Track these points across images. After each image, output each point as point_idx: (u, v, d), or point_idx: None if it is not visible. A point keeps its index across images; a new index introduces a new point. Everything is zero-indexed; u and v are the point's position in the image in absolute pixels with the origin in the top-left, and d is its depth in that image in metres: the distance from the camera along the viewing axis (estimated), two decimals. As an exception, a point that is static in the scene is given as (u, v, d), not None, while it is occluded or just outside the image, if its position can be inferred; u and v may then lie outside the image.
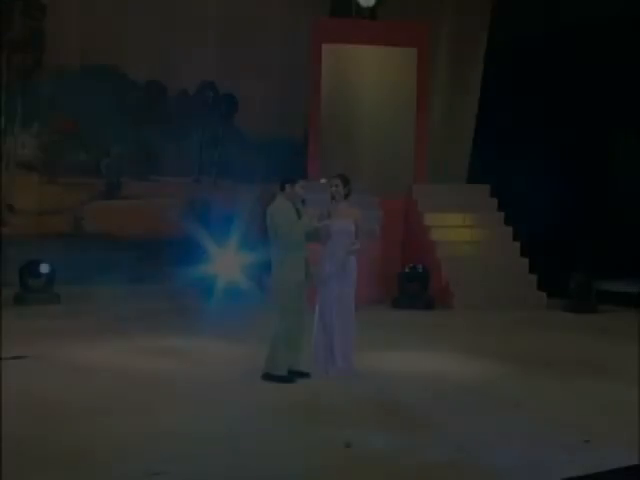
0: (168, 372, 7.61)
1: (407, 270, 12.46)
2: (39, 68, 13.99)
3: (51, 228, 14.20)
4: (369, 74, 14.98)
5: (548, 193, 14.06)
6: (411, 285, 12.38)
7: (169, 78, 15.27)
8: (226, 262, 13.49)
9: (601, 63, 13.62)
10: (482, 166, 14.95)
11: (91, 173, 14.64)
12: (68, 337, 9.26)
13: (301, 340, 7.39)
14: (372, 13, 15.22)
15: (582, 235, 13.22)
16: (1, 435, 5.37)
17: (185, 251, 15.26)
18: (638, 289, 12.18)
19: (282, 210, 7.21)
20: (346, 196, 7.56)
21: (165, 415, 6.12)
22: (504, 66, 14.77)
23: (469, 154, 15.60)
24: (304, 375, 7.34)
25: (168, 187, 15.42)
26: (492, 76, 14.97)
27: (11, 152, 13.85)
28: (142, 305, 12.04)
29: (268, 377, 7.23)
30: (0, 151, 13.72)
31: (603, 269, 12.42)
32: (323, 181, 7.80)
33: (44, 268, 11.98)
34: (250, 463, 5.12)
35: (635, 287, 12.25)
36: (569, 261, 12.55)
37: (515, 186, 13.81)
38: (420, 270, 12.39)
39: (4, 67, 13.67)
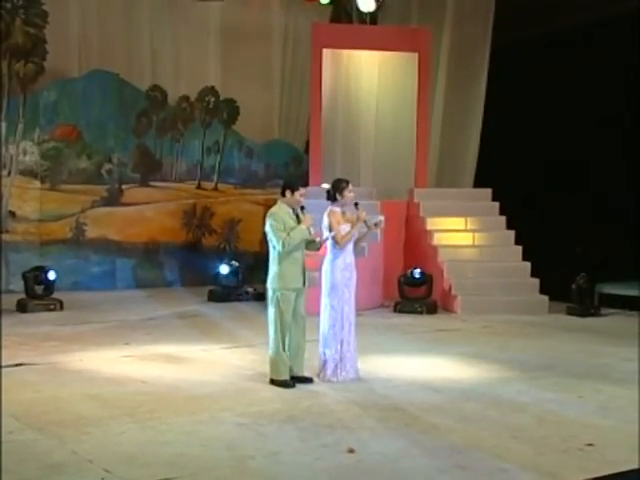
0: (172, 378, 7.61)
1: (409, 274, 12.46)
2: (40, 75, 13.99)
3: (53, 234, 14.21)
4: (370, 79, 15.00)
5: (549, 195, 14.12)
6: (413, 289, 12.39)
7: (170, 84, 15.30)
8: (227, 266, 13.52)
9: (603, 64, 13.63)
10: (485, 170, 14.97)
11: (93, 179, 14.65)
12: (71, 343, 9.26)
13: (303, 345, 7.40)
14: (373, 18, 15.24)
15: (584, 238, 13.22)
16: (1, 436, 5.37)
17: (187, 256, 15.34)
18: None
19: (279, 215, 7.22)
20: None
21: (170, 420, 6.12)
22: (507, 70, 14.77)
23: (475, 159, 15.58)
24: (307, 380, 7.36)
25: (170, 193, 15.44)
26: (495, 80, 14.98)
27: (13, 159, 13.86)
28: (145, 311, 12.05)
29: (272, 382, 7.26)
30: (1, 158, 13.74)
31: (605, 272, 12.43)
32: (325, 186, 7.80)
33: (48, 274, 11.97)
34: (254, 468, 5.13)
35: (637, 290, 12.24)
36: (571, 264, 12.55)
37: (517, 189, 13.84)
38: (422, 274, 12.38)
39: (5, 74, 13.69)
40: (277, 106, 16.31)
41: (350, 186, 7.55)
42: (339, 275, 7.43)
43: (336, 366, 7.44)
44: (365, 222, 7.51)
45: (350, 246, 7.51)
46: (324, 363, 7.47)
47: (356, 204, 7.51)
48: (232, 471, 5.08)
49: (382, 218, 7.68)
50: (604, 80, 13.70)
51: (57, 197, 14.29)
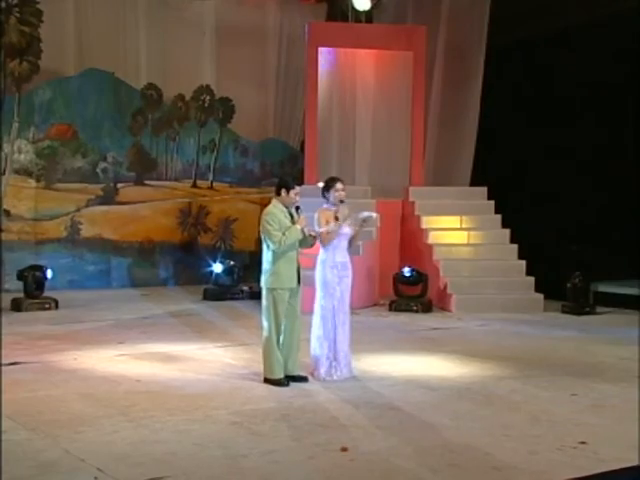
0: (166, 376, 7.60)
1: (404, 273, 12.46)
2: (35, 73, 13.97)
3: (48, 233, 14.19)
4: (365, 78, 15.00)
5: (546, 194, 14.09)
6: (408, 288, 12.39)
7: (166, 82, 15.28)
8: (222, 265, 13.51)
9: (602, 64, 13.61)
10: (482, 168, 14.95)
11: (88, 178, 14.63)
12: (66, 342, 9.24)
13: (297, 344, 7.40)
14: (368, 17, 15.24)
15: (580, 236, 13.21)
16: (1, 436, 5.37)
17: (182, 255, 15.34)
18: (636, 290, 12.18)
19: (275, 214, 7.22)
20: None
21: (163, 419, 6.12)
22: (504, 69, 14.76)
23: (472, 158, 15.56)
24: (302, 379, 7.36)
25: (165, 192, 15.43)
26: (493, 79, 14.96)
27: (8, 158, 13.84)
28: (140, 309, 12.04)
29: (266, 381, 7.26)
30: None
31: (600, 270, 12.42)
32: (320, 184, 7.81)
33: (44, 273, 11.95)
34: (248, 467, 5.13)
35: (633, 288, 12.25)
36: (566, 263, 12.54)
37: (513, 188, 13.83)
38: (417, 273, 12.39)
39: (0, 73, 13.66)
40: (272, 105, 16.32)
41: (338, 184, 7.54)
42: (329, 273, 7.44)
43: (330, 365, 7.44)
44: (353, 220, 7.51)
45: (341, 244, 7.50)
46: (318, 362, 7.47)
47: (341, 201, 7.52)
48: (225, 470, 5.08)
49: (373, 214, 7.67)
50: (603, 79, 13.68)
51: (52, 196, 14.26)
